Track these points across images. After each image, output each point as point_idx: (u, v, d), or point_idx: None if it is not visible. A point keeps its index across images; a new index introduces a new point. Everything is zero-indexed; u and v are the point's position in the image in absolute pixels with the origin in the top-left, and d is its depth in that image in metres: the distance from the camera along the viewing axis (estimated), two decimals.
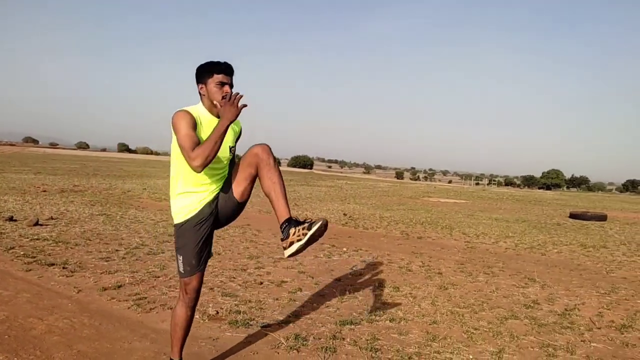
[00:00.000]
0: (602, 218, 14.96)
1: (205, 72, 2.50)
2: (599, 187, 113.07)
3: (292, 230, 2.44)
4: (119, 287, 4.34)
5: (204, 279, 4.79)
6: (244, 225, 8.72)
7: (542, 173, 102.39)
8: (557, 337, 3.75)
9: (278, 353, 3.15)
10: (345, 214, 12.12)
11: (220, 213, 2.62)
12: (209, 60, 2.52)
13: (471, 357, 3.26)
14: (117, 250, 5.83)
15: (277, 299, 4.30)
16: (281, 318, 3.81)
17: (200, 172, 2.38)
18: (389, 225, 10.52)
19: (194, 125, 2.42)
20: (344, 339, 3.45)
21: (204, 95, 2.52)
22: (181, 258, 2.61)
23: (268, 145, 2.50)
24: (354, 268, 5.80)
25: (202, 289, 4.40)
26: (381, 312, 4.11)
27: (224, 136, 2.37)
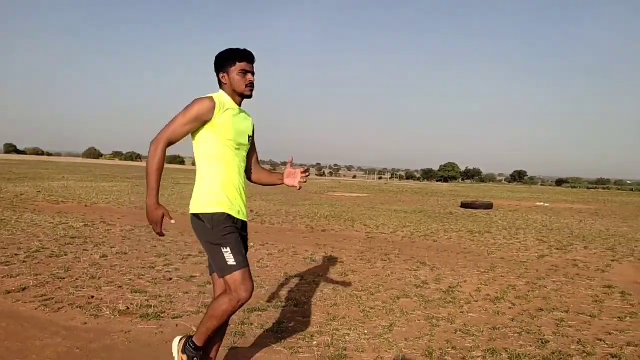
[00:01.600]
0: (489, 206, 16.44)
1: (227, 60, 2.44)
2: (490, 178, 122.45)
3: (184, 357, 2.47)
4: (24, 289, 4.27)
5: (112, 277, 4.85)
6: (150, 225, 8.65)
7: (440, 166, 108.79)
8: (441, 311, 4.29)
9: None
10: (252, 211, 12.33)
11: None
12: (227, 48, 2.45)
13: (366, 332, 3.67)
14: (16, 254, 5.64)
15: (186, 293, 4.47)
16: (192, 310, 4.00)
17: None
18: (294, 220, 10.90)
19: (204, 121, 2.35)
20: (252, 324, 3.73)
21: (225, 83, 2.45)
22: (228, 249, 2.34)
23: (247, 300, 2.38)
24: (260, 261, 6.07)
25: (111, 287, 4.49)
26: (286, 299, 4.43)
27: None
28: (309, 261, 6.24)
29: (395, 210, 14.79)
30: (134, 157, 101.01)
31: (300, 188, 2.63)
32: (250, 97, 2.49)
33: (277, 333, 3.55)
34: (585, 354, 3.35)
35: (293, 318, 3.92)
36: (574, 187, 66.32)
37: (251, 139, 2.60)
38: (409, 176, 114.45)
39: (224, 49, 2.47)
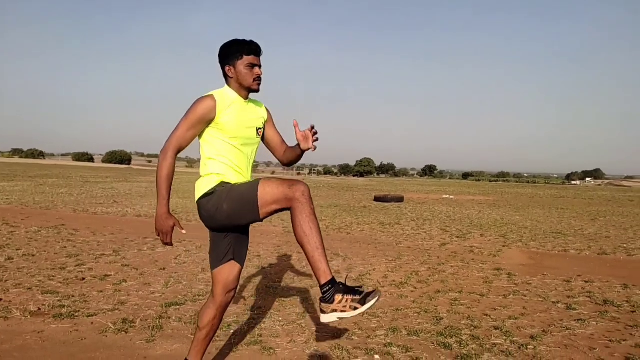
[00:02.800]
0: (400, 199, 17.28)
1: (234, 52, 2.34)
2: (403, 173, 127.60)
3: (338, 297, 2.08)
4: None
5: (20, 280, 4.70)
6: (58, 225, 8.33)
7: (356, 162, 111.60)
8: None
9: (106, 336, 3.39)
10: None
11: None
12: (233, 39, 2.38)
13: (281, 319, 3.89)
14: None
15: (101, 292, 4.45)
16: (107, 307, 4.01)
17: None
18: None
19: (207, 121, 2.30)
20: (169, 317, 3.82)
21: (231, 77, 2.37)
22: (227, 202, 2.27)
23: (308, 188, 2.22)
24: (178, 257, 6.10)
25: (19, 290, 4.38)
26: (204, 293, 4.55)
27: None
28: None
29: None
30: (35, 154, 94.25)
31: (315, 148, 2.48)
32: (257, 91, 2.42)
33: (194, 324, 3.67)
34: (473, 327, 3.78)
35: None
36: (478, 180, 70.73)
37: (261, 130, 2.53)
38: (327, 171, 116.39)
39: (228, 39, 2.40)
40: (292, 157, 2.64)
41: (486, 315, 4.14)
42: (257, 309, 4.12)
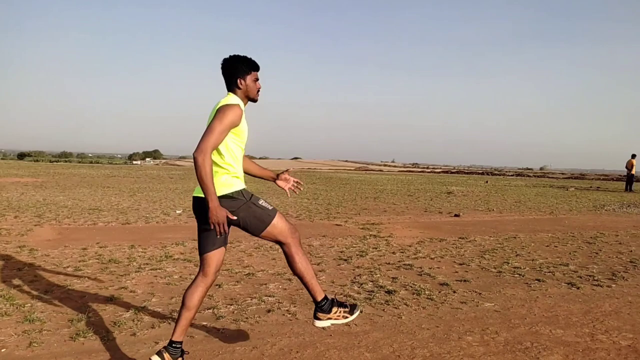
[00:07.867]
0: None
1: (245, 67, 2.60)
2: None
3: (334, 309, 2.70)
4: None
5: None
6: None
7: None
8: None
9: None
10: None
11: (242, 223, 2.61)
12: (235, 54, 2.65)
13: None
14: None
15: None
16: None
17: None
18: None
19: (234, 127, 2.51)
20: None
21: (240, 88, 2.61)
22: (262, 201, 2.62)
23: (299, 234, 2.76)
24: None
25: None
26: None
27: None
28: None
29: None
30: None
31: (289, 194, 3.13)
32: (257, 101, 2.72)
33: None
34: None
35: None
36: (37, 161, 64.39)
37: None
38: None
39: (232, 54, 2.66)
40: (252, 171, 2.99)
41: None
42: None
